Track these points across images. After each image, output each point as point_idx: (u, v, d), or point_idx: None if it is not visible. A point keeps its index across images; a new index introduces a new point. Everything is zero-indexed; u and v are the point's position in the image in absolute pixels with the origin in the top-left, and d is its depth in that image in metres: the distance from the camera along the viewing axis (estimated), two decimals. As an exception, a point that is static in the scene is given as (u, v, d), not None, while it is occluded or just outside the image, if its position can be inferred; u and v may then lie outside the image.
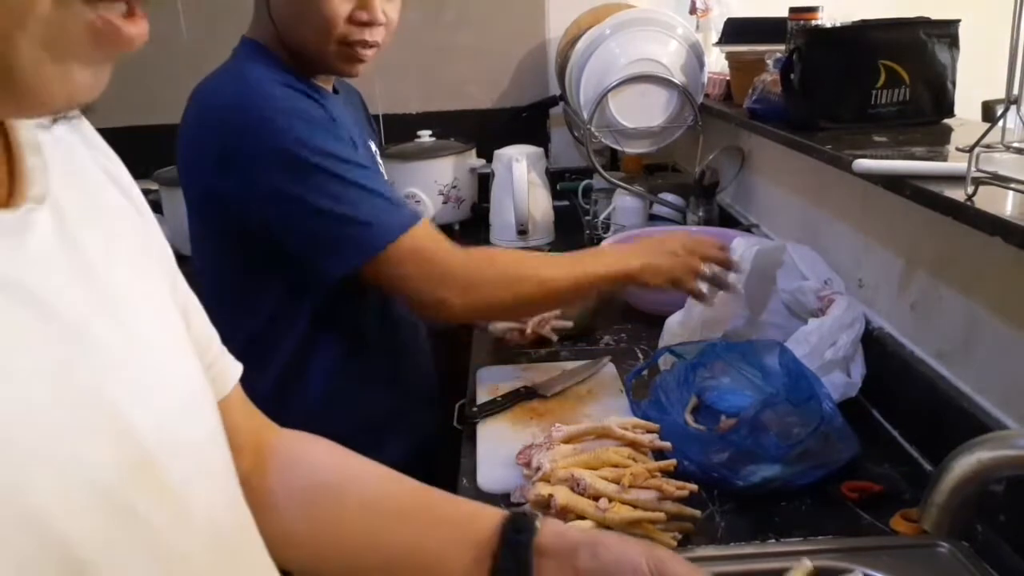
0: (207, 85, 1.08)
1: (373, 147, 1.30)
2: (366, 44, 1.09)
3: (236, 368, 0.63)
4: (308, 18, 1.05)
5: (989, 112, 1.86)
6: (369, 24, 1.07)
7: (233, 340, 1.10)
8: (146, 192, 1.87)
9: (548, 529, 0.62)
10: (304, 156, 1.00)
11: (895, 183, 0.96)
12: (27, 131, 0.40)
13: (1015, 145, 0.84)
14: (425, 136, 2.28)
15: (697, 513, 0.89)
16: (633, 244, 1.22)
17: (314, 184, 1.01)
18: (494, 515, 0.64)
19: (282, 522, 0.64)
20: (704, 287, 1.17)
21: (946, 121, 1.27)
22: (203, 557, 0.43)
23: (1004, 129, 0.84)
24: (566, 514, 0.86)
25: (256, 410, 0.68)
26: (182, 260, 0.57)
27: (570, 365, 1.31)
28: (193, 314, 0.56)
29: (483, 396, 1.23)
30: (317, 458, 0.70)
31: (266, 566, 0.53)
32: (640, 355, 1.37)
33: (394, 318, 1.23)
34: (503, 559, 0.61)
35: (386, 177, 1.28)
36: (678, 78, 1.85)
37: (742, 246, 1.27)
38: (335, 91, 1.22)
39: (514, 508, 0.86)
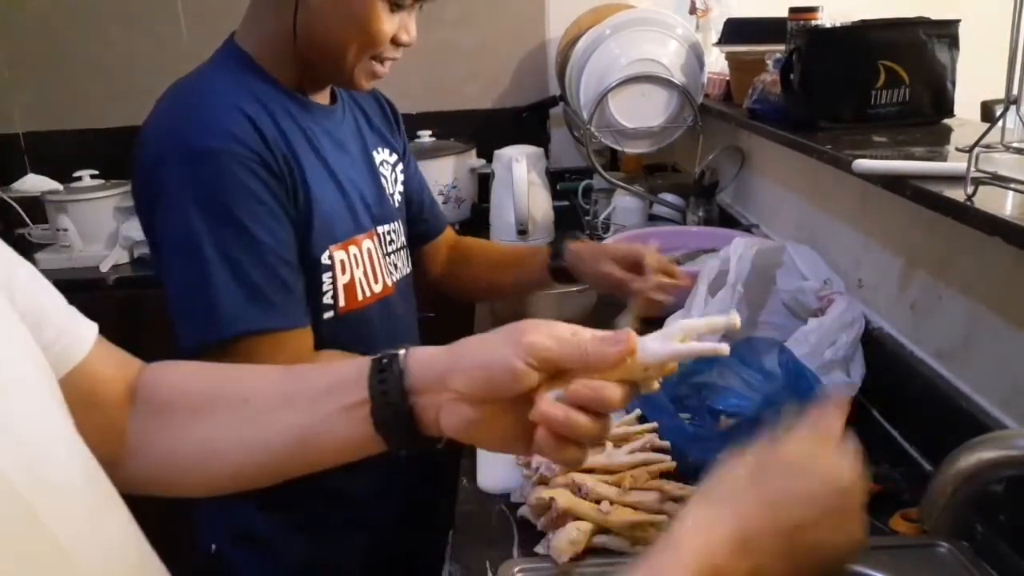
0: (169, 92, 1.03)
1: (383, 154, 1.22)
2: (390, 62, 1.08)
3: (89, 328, 0.62)
4: (352, 30, 1.01)
5: (988, 112, 1.86)
6: (406, 45, 1.06)
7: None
8: (146, 192, 1.78)
9: (414, 365, 0.59)
10: (209, 204, 0.93)
11: (895, 183, 0.96)
12: None
13: (1015, 145, 0.84)
14: (425, 136, 2.28)
15: (697, 513, 0.89)
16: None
17: (207, 233, 0.93)
18: (359, 371, 0.61)
19: (151, 459, 0.64)
20: None
21: (946, 121, 1.27)
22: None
23: (1004, 129, 0.84)
24: (567, 517, 0.86)
25: (123, 356, 0.67)
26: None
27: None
28: (19, 288, 0.53)
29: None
30: (174, 383, 0.68)
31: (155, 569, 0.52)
32: (640, 355, 1.36)
33: (393, 317, 1.22)
34: (378, 414, 0.59)
35: (390, 190, 1.21)
36: (678, 78, 1.85)
37: (742, 246, 1.27)
38: (334, 99, 1.16)
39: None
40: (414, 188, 1.29)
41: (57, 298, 0.59)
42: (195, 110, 0.98)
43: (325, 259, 1.03)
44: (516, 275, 1.33)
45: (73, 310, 0.61)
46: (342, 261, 1.05)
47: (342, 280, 1.05)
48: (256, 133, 0.96)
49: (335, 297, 1.05)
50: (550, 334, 0.56)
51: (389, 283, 1.14)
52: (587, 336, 0.56)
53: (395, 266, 1.18)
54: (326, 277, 1.04)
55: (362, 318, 1.09)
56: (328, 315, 1.05)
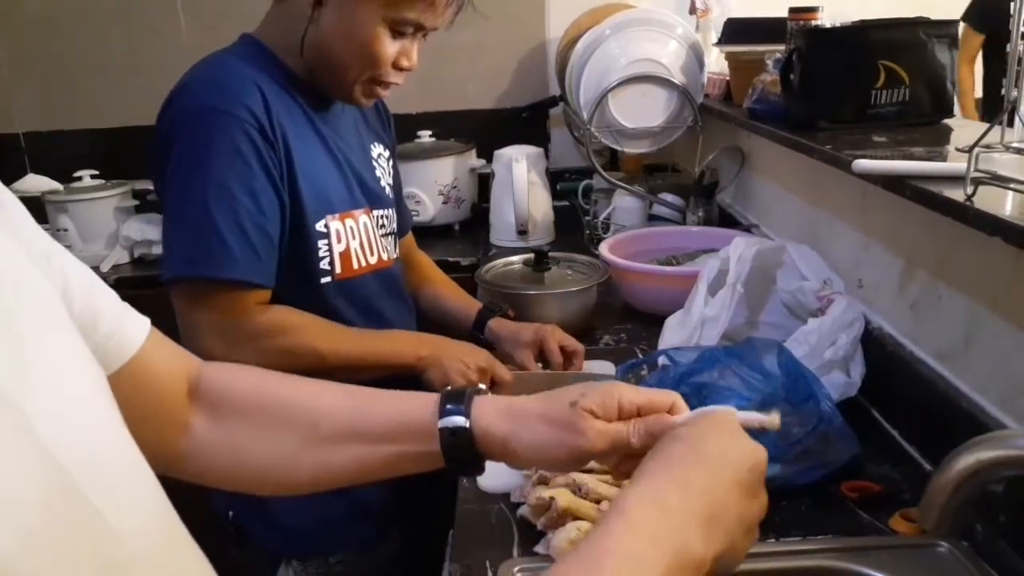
0: (194, 66, 1.11)
1: (378, 149, 1.30)
2: (391, 85, 1.13)
3: (141, 324, 0.63)
4: (354, 51, 1.07)
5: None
6: (407, 70, 1.12)
7: None
8: (146, 192, 1.90)
9: (479, 433, 0.65)
10: (200, 156, 1.02)
11: (895, 183, 0.96)
12: None
13: (1015, 145, 0.84)
14: (425, 136, 2.28)
15: (697, 513, 0.89)
16: (432, 339, 1.19)
17: (191, 180, 1.03)
18: (429, 417, 0.66)
19: (216, 460, 0.68)
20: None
21: (946, 121, 1.27)
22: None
23: (1004, 129, 0.84)
24: (567, 517, 0.86)
25: (179, 350, 0.70)
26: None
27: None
28: (75, 289, 0.54)
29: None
30: (246, 389, 0.71)
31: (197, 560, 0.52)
32: (640, 355, 1.37)
33: (390, 288, 1.24)
34: (453, 464, 0.66)
35: (385, 181, 1.28)
36: (678, 78, 1.85)
37: (742, 246, 1.27)
38: None
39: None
40: (395, 185, 1.37)
41: (110, 295, 0.60)
42: (215, 78, 1.08)
43: (321, 227, 1.11)
44: (442, 319, 1.41)
45: (125, 305, 0.62)
46: (338, 231, 1.13)
47: (338, 248, 1.13)
48: (263, 103, 1.05)
49: (332, 264, 1.13)
50: (603, 432, 0.63)
51: (385, 258, 1.22)
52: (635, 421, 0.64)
53: (390, 246, 1.26)
54: (322, 244, 1.12)
55: (358, 285, 1.17)
56: (325, 280, 1.13)
